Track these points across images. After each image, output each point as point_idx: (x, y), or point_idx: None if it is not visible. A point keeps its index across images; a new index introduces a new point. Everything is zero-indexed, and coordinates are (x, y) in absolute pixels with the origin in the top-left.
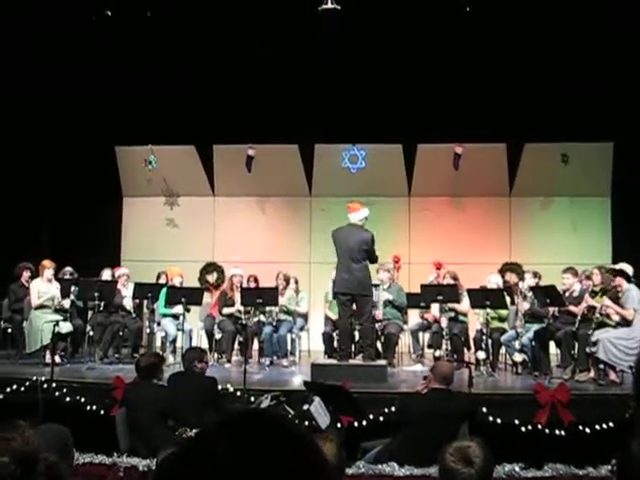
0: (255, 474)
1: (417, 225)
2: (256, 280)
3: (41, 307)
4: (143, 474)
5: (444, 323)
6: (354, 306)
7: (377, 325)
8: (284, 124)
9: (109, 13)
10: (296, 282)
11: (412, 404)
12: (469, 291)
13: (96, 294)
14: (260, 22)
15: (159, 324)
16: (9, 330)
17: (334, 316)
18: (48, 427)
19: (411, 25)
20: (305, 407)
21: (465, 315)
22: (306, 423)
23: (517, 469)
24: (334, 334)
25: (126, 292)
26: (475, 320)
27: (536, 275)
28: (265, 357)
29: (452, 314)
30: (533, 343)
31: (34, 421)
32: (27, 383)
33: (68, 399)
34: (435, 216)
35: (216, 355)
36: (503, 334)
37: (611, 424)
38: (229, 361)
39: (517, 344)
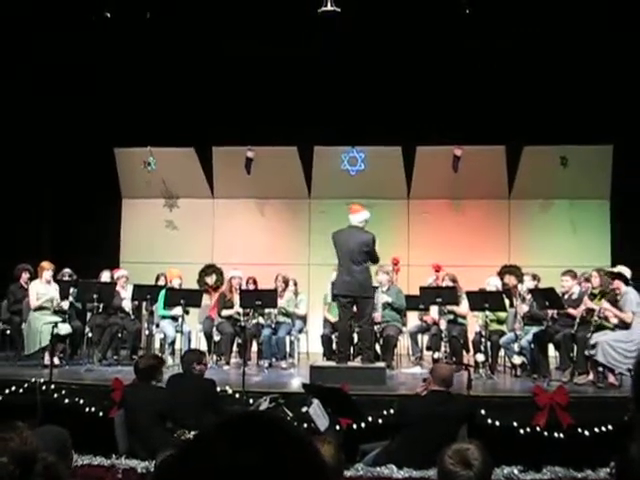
0: (254, 476)
1: (416, 227)
2: (255, 282)
3: (40, 309)
4: (142, 476)
5: (443, 325)
6: (354, 308)
7: (376, 327)
8: (283, 126)
9: (108, 15)
10: (295, 284)
11: (411, 406)
12: (468, 293)
13: (95, 296)
14: (260, 24)
15: (158, 326)
16: (8, 332)
17: (333, 318)
18: (47, 429)
19: (410, 27)
20: (304, 409)
21: (464, 317)
22: (305, 425)
23: (516, 472)
24: (333, 336)
25: (125, 294)
26: (474, 322)
27: (535, 278)
28: (264, 359)
29: (451, 316)
30: (532, 346)
31: (33, 423)
32: (26, 385)
33: (67, 401)
34: (434, 218)
35: (215, 357)
36: (502, 336)
37: (610, 427)
38: (228, 363)
39: (516, 346)
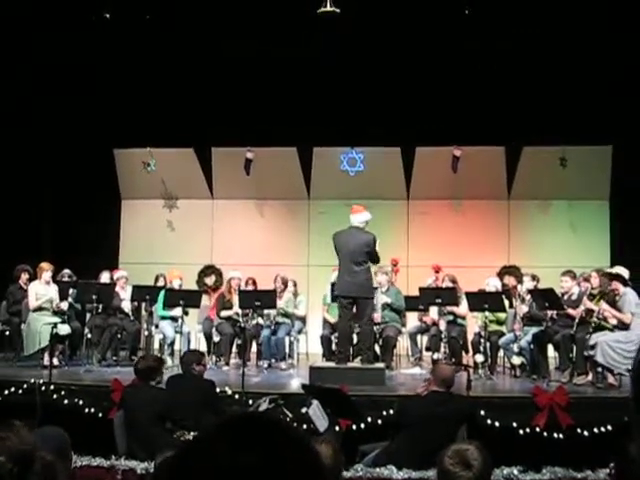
0: (253, 477)
1: (416, 228)
2: (254, 283)
3: (39, 309)
4: (141, 477)
5: (442, 326)
6: (354, 309)
7: (375, 328)
8: (283, 127)
9: (107, 16)
10: (294, 285)
11: (411, 407)
12: (468, 294)
13: (94, 296)
14: (259, 24)
15: (157, 327)
16: (7, 332)
17: (332, 319)
18: (46, 430)
19: (410, 27)
20: (303, 410)
21: (464, 318)
22: (304, 426)
23: (515, 472)
24: (332, 337)
25: (124, 294)
26: (473, 323)
27: (534, 278)
28: (263, 360)
29: (451, 317)
30: (531, 346)
31: (32, 423)
32: (25, 385)
33: (66, 401)
34: (434, 219)
35: (214, 358)
36: (501, 337)
37: (609, 427)
38: (227, 364)
39: (515, 347)
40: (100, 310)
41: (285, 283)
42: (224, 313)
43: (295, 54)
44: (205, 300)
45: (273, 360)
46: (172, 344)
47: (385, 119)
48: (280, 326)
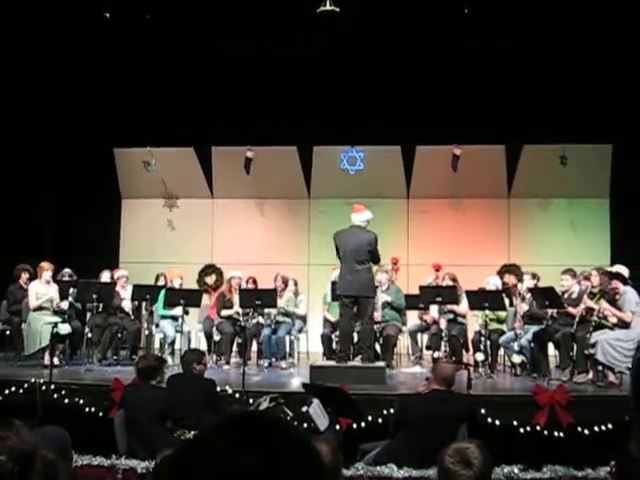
0: (254, 476)
1: (416, 227)
2: (255, 282)
3: (39, 309)
4: (142, 476)
5: (443, 325)
6: (356, 308)
7: (375, 327)
8: (283, 126)
9: (107, 15)
10: (295, 284)
11: (411, 405)
12: (468, 293)
13: (95, 296)
14: (260, 24)
15: (158, 326)
16: (7, 332)
17: (333, 318)
18: (46, 429)
19: (410, 26)
20: (304, 409)
21: (464, 317)
22: (305, 425)
23: (516, 470)
24: (333, 336)
25: (125, 294)
26: (474, 322)
27: (535, 277)
28: (264, 359)
29: (451, 316)
30: (532, 345)
31: (32, 423)
32: (25, 385)
33: (67, 401)
34: (434, 218)
35: (215, 357)
36: (502, 336)
37: (610, 425)
38: (228, 363)
39: (516, 346)
40: (100, 309)
41: (285, 282)
42: (224, 312)
43: (295, 53)
44: (205, 299)
45: (273, 359)
46: (172, 343)
47: (385, 118)
48: (280, 325)
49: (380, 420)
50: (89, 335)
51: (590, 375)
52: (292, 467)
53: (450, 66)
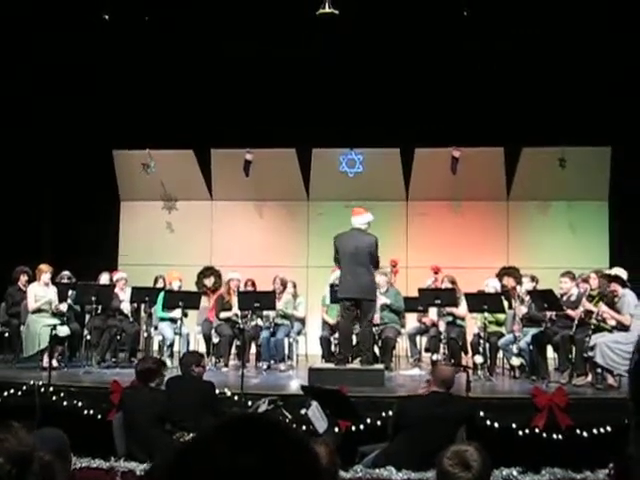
0: (253, 478)
1: (415, 229)
2: (254, 284)
3: (38, 311)
4: (140, 478)
5: (442, 327)
6: (357, 311)
7: (374, 329)
8: (282, 128)
9: (106, 17)
10: (294, 286)
11: (410, 407)
12: (467, 295)
13: (93, 298)
14: (259, 25)
15: (156, 328)
16: (6, 334)
17: (331, 320)
18: (45, 431)
19: (409, 28)
20: (302, 411)
21: (463, 319)
22: (303, 427)
23: (515, 473)
24: (332, 338)
25: (124, 296)
26: (473, 324)
27: (534, 279)
28: (262, 361)
29: (450, 318)
30: (531, 347)
31: (31, 425)
32: (24, 387)
33: (65, 403)
34: (433, 220)
35: (214, 359)
36: (501, 338)
37: (609, 428)
38: (226, 365)
39: (515, 348)
40: (99, 311)
41: (284, 284)
42: (223, 314)
43: (294, 55)
44: (204, 301)
45: (272, 361)
46: (171, 345)
47: (384, 120)
48: (279, 327)
49: (379, 423)
50: (88, 337)
51: (589, 378)
52: (291, 469)
53: (449, 68)
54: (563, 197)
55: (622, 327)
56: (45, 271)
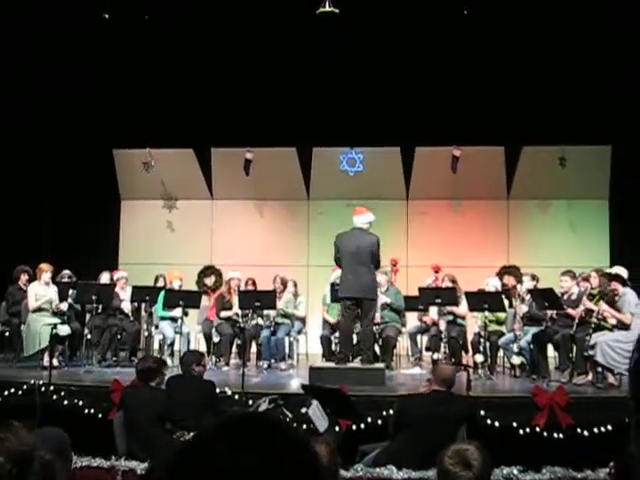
0: (253, 477)
1: (415, 228)
2: (254, 283)
3: (39, 310)
4: (141, 477)
5: (442, 326)
6: (358, 310)
7: (375, 328)
8: (282, 127)
9: (106, 16)
10: (295, 285)
11: (411, 406)
12: (467, 294)
13: (94, 297)
14: (259, 24)
15: (157, 327)
16: (7, 333)
17: (332, 319)
18: (46, 430)
19: (410, 27)
20: (303, 410)
21: (463, 318)
22: (304, 426)
23: (515, 472)
24: (332, 337)
25: (124, 295)
26: (473, 323)
27: (534, 278)
28: (263, 360)
29: (450, 317)
30: (531, 346)
31: (32, 424)
32: (25, 386)
33: (66, 402)
34: (433, 219)
35: (214, 358)
36: (501, 337)
37: (609, 427)
38: (227, 364)
39: (515, 347)
40: (100, 311)
41: (284, 284)
42: (224, 314)
43: (295, 54)
44: (205, 300)
45: (273, 360)
46: (172, 345)
47: (384, 119)
48: (280, 326)
49: (379, 421)
50: (88, 336)
51: (589, 376)
52: (291, 468)
53: (449, 67)
54: (563, 196)
55: (623, 326)
56: (46, 270)
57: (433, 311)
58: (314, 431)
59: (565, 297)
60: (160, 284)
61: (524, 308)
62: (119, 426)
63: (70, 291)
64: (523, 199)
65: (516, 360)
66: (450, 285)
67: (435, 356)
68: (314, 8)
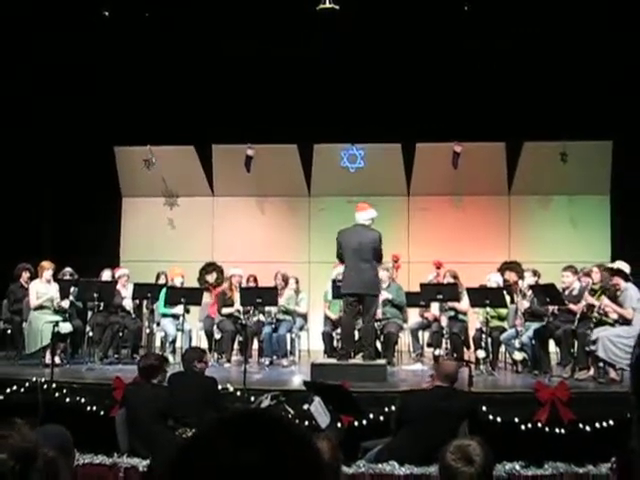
0: (255, 474)
1: (416, 224)
2: (255, 280)
3: (40, 308)
4: (143, 474)
5: (444, 322)
6: (360, 306)
7: (377, 324)
8: (283, 124)
9: (106, 14)
10: (297, 282)
11: (413, 402)
12: (469, 290)
13: (95, 295)
14: (259, 22)
15: (159, 324)
16: (9, 331)
17: (333, 316)
18: (48, 428)
19: (410, 25)
20: (305, 407)
21: (465, 314)
22: (306, 423)
23: (517, 467)
24: (334, 333)
25: (126, 292)
26: (475, 319)
27: (535, 273)
28: (265, 357)
29: (452, 313)
30: (533, 342)
31: (34, 422)
32: (27, 384)
33: (68, 400)
34: (434, 215)
35: (216, 355)
36: (503, 333)
37: (611, 422)
38: (229, 361)
39: (517, 343)
40: (101, 308)
41: (286, 280)
42: (225, 310)
43: (295, 52)
44: (206, 297)
45: (274, 357)
46: (173, 342)
47: (385, 115)
48: (281, 323)
49: (381, 418)
50: (90, 334)
51: (591, 372)
52: (293, 465)
53: (450, 63)
54: (565, 191)
55: (624, 321)
56: (47, 268)
57: (435, 307)
58: (316, 427)
59: (566, 292)
60: (161, 281)
61: (525, 304)
62: (121, 423)
63: (72, 289)
64: (524, 195)
65: (518, 356)
66: (451, 281)
67: (437, 352)
68: (314, 7)
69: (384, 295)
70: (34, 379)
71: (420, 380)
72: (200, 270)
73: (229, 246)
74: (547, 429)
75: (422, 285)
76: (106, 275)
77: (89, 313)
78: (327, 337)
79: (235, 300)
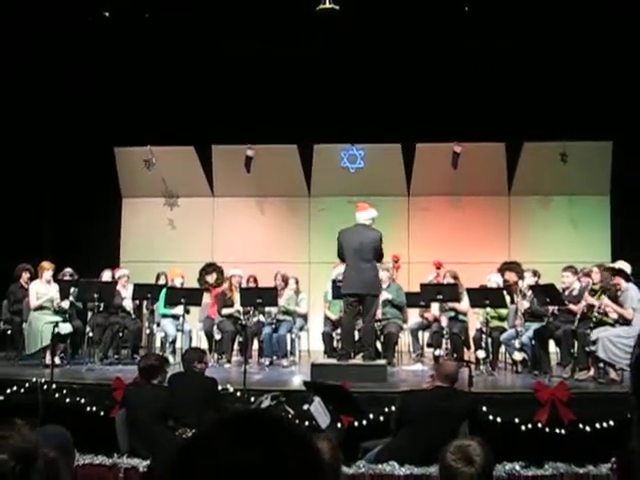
0: (255, 474)
1: (416, 224)
2: (255, 280)
3: (40, 308)
4: (143, 475)
5: (444, 322)
6: (360, 306)
7: (377, 324)
8: (283, 124)
9: (107, 14)
10: (297, 282)
11: (413, 402)
12: (469, 290)
13: (95, 295)
14: (259, 22)
15: (159, 325)
16: (9, 332)
17: (334, 316)
18: (48, 428)
19: (410, 25)
20: (305, 407)
21: (465, 314)
22: (306, 423)
23: (518, 468)
24: (334, 334)
25: (126, 293)
26: (475, 319)
27: (535, 274)
28: (265, 357)
29: (452, 313)
30: (533, 342)
31: (34, 422)
32: (27, 384)
33: (68, 400)
34: (434, 215)
35: (216, 355)
36: (503, 333)
37: (611, 422)
38: (229, 361)
39: (517, 343)
40: (101, 309)
41: (285, 280)
42: (225, 311)
43: (295, 52)
44: (206, 298)
45: (275, 357)
46: (173, 342)
47: (385, 116)
48: (281, 323)
49: (381, 418)
50: (90, 334)
51: (591, 372)
52: (293, 465)
53: (450, 63)
54: (565, 192)
55: (624, 321)
56: (47, 268)
57: (435, 307)
58: (316, 428)
59: (566, 293)
60: (161, 282)
61: (525, 304)
62: (121, 423)
63: (72, 289)
64: (524, 195)
65: (518, 356)
66: (451, 281)
67: (437, 352)
68: (314, 7)
69: (384, 295)
70: (34, 379)
71: (420, 380)
72: (200, 270)
73: (229, 246)
74: (547, 429)
75: (422, 285)
76: (106, 275)
77: (89, 314)
78: (327, 337)
79: (235, 300)
